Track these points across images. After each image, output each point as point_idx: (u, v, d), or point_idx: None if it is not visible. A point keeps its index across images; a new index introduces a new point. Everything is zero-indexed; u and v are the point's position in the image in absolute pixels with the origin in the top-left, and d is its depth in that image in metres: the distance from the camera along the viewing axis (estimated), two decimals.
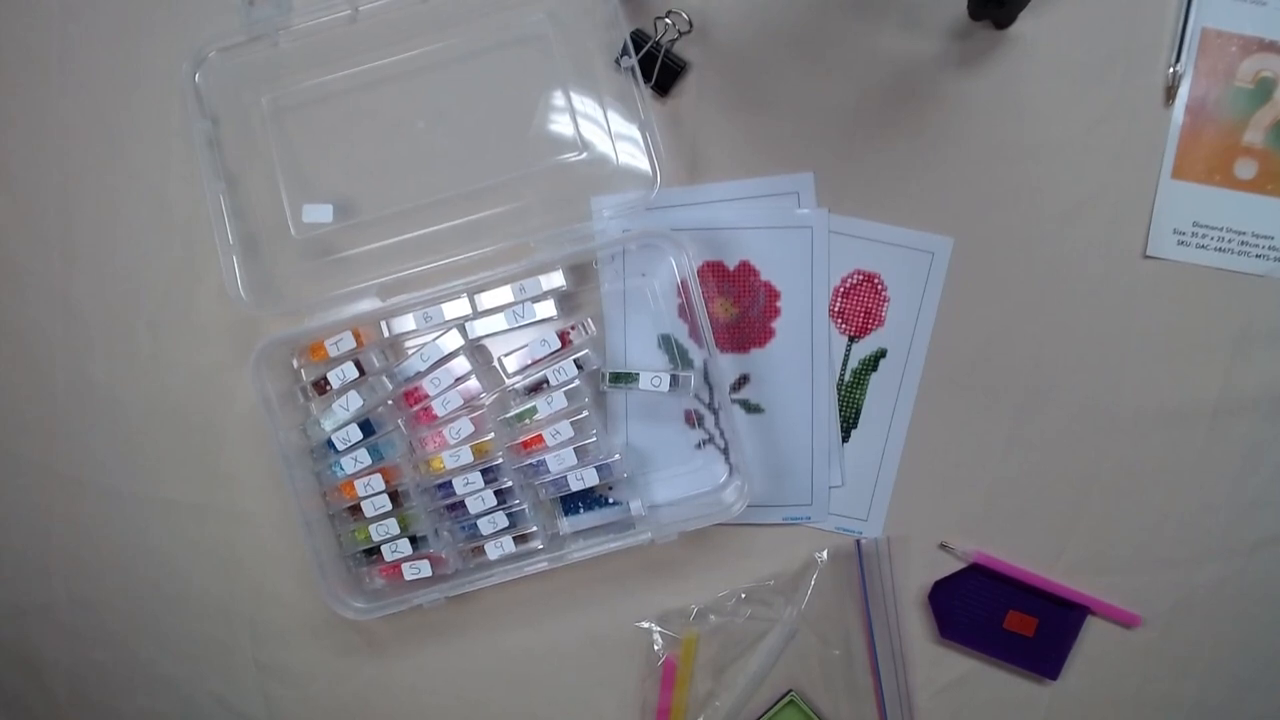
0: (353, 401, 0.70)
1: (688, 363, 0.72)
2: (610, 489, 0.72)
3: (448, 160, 0.72)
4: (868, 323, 0.72)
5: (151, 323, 0.75)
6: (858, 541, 0.72)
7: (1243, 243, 0.70)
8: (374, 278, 0.69)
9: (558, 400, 0.70)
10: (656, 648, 0.73)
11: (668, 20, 0.69)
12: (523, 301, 0.70)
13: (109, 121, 0.74)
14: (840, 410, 0.73)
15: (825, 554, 0.72)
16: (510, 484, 0.71)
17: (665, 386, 0.70)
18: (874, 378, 0.73)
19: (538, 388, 0.71)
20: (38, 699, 0.78)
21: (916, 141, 0.71)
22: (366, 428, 0.70)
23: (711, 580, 0.73)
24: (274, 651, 0.76)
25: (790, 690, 0.72)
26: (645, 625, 0.73)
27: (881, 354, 0.72)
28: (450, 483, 0.71)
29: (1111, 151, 0.70)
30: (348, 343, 0.70)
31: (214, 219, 0.68)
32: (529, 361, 0.71)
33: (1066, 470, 0.72)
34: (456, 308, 0.70)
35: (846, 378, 0.73)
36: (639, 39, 0.69)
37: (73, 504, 0.76)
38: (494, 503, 0.70)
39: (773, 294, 0.72)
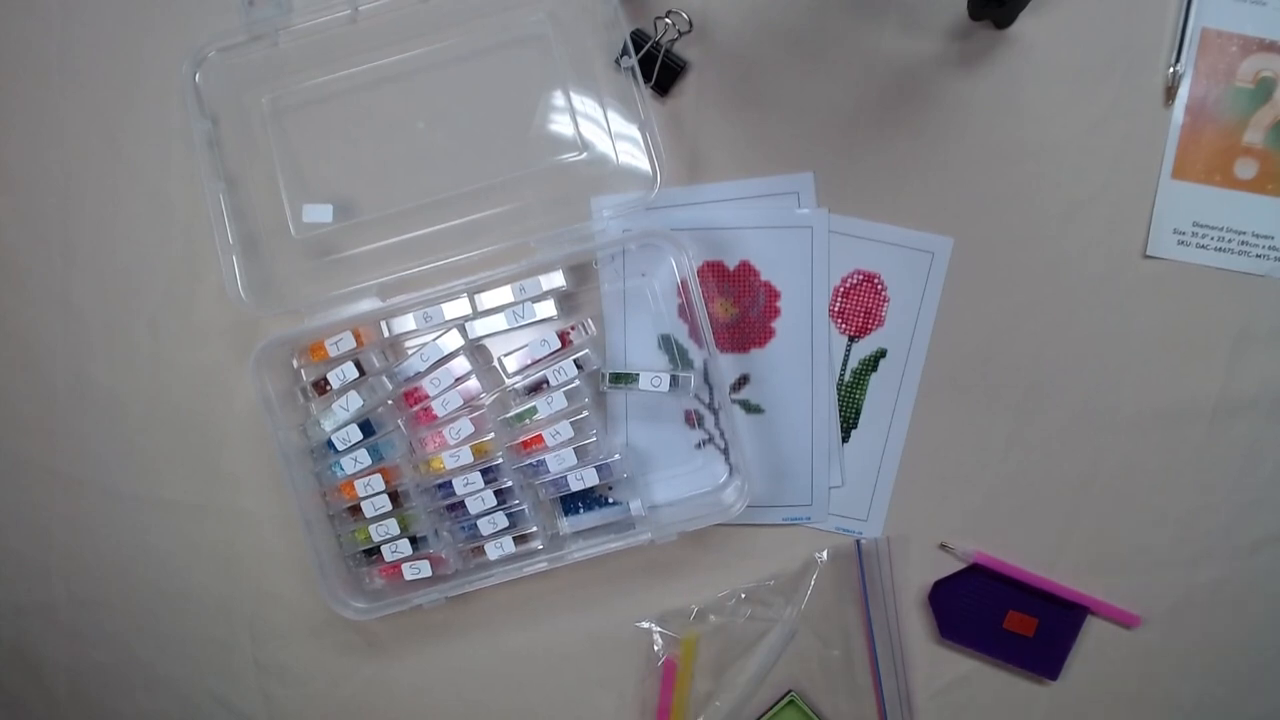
0: (353, 401, 0.70)
1: (688, 363, 0.72)
2: (610, 489, 0.72)
3: (448, 160, 0.72)
4: (868, 323, 0.72)
5: (151, 323, 0.75)
6: (858, 541, 0.72)
7: (1243, 243, 0.70)
8: (374, 278, 0.69)
9: (558, 400, 0.70)
10: (656, 648, 0.73)
11: (668, 20, 0.69)
12: (523, 301, 0.70)
13: (109, 121, 0.74)
14: (840, 410, 0.73)
15: (825, 554, 0.72)
16: (510, 484, 0.71)
17: (665, 386, 0.70)
18: (874, 378, 0.73)
19: (538, 388, 0.71)
20: (38, 699, 0.78)
21: (916, 141, 0.71)
22: (366, 428, 0.70)
23: (711, 580, 0.73)
24: (274, 651, 0.76)
25: (790, 690, 0.72)
26: (645, 625, 0.73)
27: (881, 354, 0.72)
28: (450, 483, 0.71)
29: (1111, 151, 0.70)
30: (348, 343, 0.71)
31: (214, 219, 0.68)
32: (529, 361, 0.71)
33: (1066, 470, 0.72)
34: (456, 308, 0.70)
35: (846, 378, 0.73)
36: (639, 39, 0.69)
37: (73, 504, 0.76)
38: (494, 503, 0.70)
39: (773, 294, 0.72)
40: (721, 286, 0.73)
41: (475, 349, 0.72)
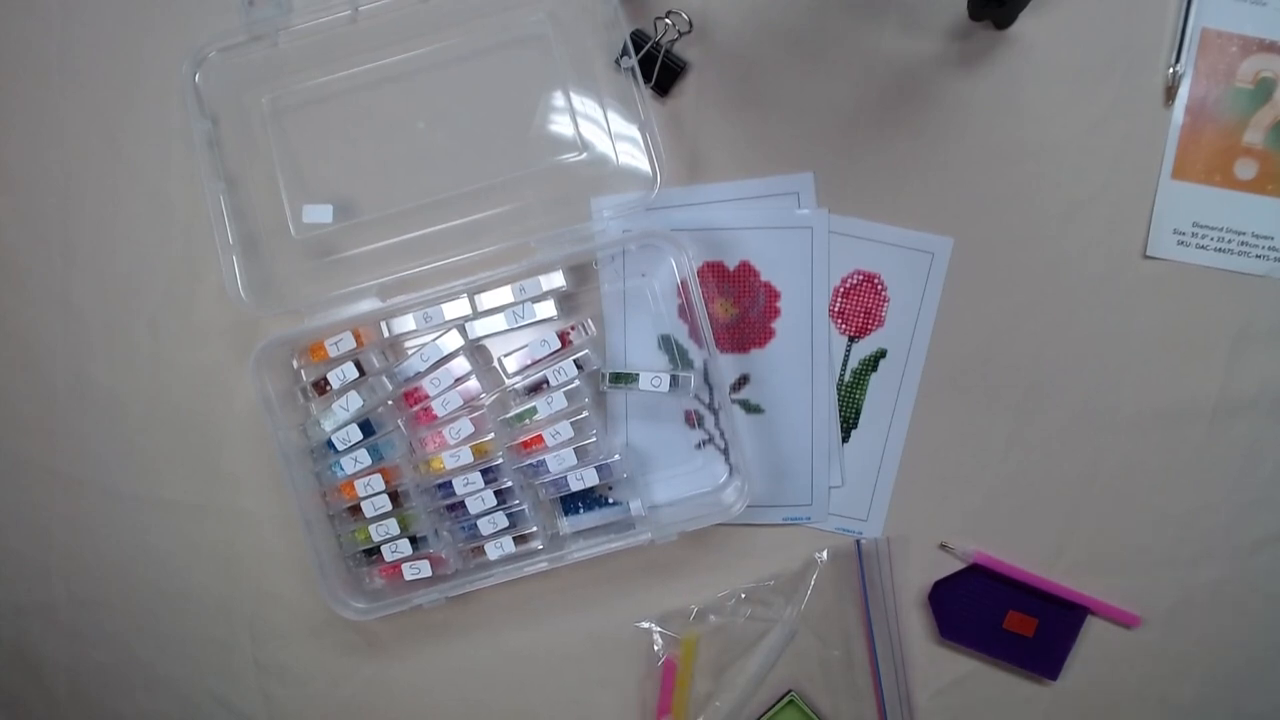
0: (353, 401, 0.70)
1: (688, 363, 0.72)
2: (610, 489, 0.72)
3: (448, 160, 0.72)
4: (868, 323, 0.72)
5: (151, 323, 0.75)
6: (858, 542, 0.72)
7: (1243, 243, 0.70)
8: (374, 278, 0.69)
9: (558, 400, 0.70)
10: (656, 648, 0.73)
11: (668, 20, 0.69)
12: (523, 302, 0.70)
13: (109, 121, 0.74)
14: (840, 410, 0.73)
15: (825, 554, 0.72)
16: (510, 484, 0.71)
17: (665, 387, 0.70)
18: (874, 378, 0.73)
19: (538, 388, 0.71)
20: (38, 699, 0.78)
21: (916, 141, 0.71)
22: (366, 428, 0.70)
23: (711, 580, 0.73)
24: (274, 651, 0.76)
25: (790, 690, 0.72)
26: (645, 625, 0.73)
27: (881, 354, 0.72)
28: (450, 483, 0.71)
29: (1111, 151, 0.70)
30: (348, 343, 0.71)
31: (214, 219, 0.68)
32: (529, 362, 0.71)
33: (1066, 470, 0.72)
34: (456, 308, 0.70)
35: (846, 378, 0.73)
36: (639, 39, 0.69)
37: (73, 504, 0.76)
38: (494, 503, 0.70)
39: (773, 294, 0.72)
40: (721, 287, 0.73)
41: (475, 349, 0.72)
